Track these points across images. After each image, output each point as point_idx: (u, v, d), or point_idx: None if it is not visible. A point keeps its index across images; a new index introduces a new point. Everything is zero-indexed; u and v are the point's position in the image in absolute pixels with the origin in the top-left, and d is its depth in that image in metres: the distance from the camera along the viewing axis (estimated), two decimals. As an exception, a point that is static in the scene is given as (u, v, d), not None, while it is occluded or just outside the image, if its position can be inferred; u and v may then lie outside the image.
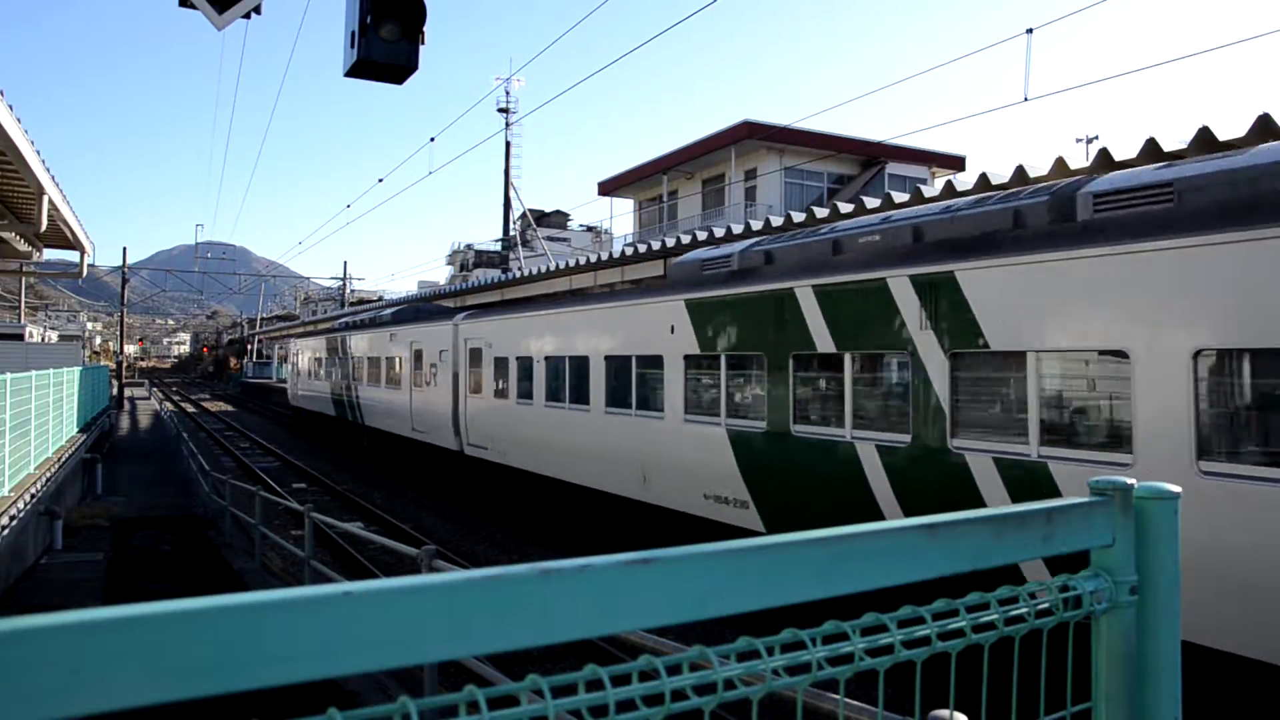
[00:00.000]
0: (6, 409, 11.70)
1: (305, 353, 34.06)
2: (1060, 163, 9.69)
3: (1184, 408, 5.90)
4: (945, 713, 1.47)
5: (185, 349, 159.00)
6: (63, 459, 16.02)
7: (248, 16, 6.03)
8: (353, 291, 65.47)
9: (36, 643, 0.65)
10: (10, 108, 9.71)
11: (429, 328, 20.19)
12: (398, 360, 21.82)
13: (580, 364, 13.44)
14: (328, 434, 30.64)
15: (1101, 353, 6.60)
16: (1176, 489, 1.36)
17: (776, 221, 14.15)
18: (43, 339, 35.39)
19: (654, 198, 38.68)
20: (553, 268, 23.24)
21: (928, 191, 11.47)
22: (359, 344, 25.78)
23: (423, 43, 5.91)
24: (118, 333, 57.00)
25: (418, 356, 20.41)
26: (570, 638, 0.88)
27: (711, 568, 0.96)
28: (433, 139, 26.96)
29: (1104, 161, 9.24)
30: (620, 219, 68.79)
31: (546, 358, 14.52)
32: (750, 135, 31.82)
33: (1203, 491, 5.68)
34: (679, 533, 10.76)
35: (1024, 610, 1.24)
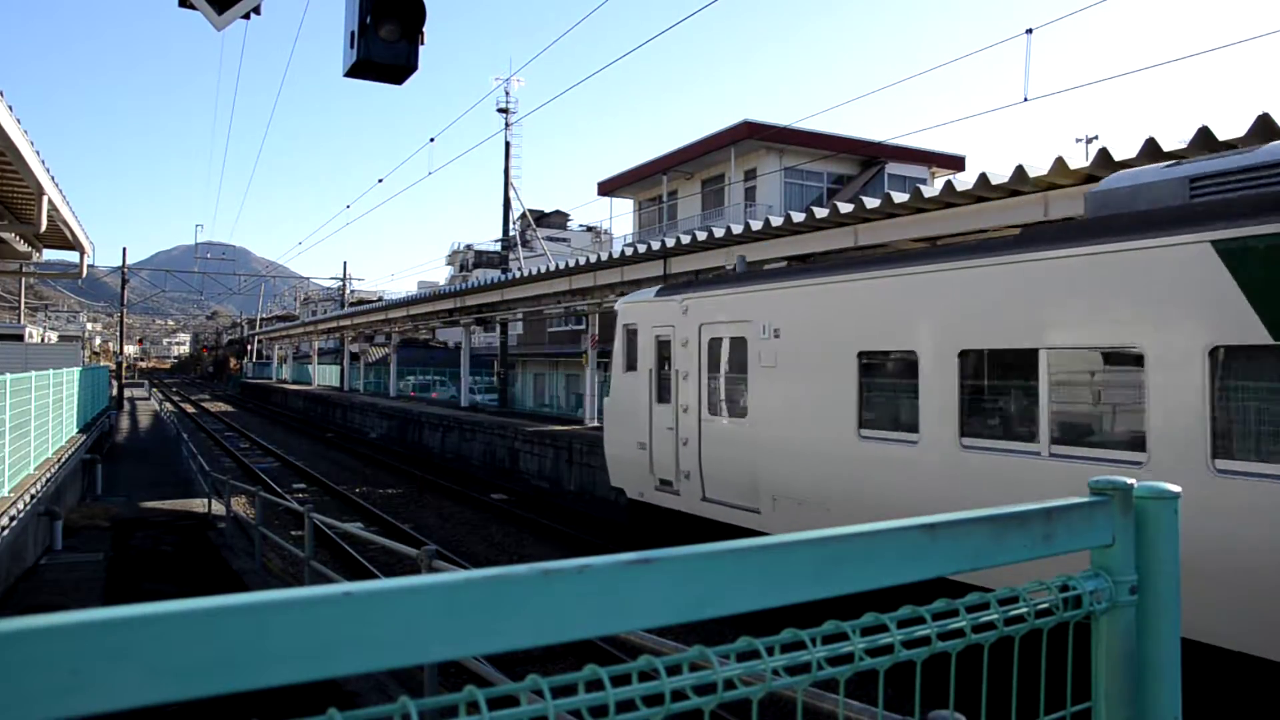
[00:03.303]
0: (6, 409, 11.69)
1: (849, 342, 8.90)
2: (1060, 162, 9.68)
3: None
4: (945, 713, 1.47)
5: (185, 349, 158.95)
6: (63, 459, 16.01)
7: (247, 17, 6.02)
8: (353, 292, 65.45)
9: (36, 643, 0.65)
10: (10, 108, 9.70)
11: None
12: None
13: None
14: None
15: None
16: (1176, 489, 1.36)
17: (776, 222, 14.04)
18: (42, 339, 35.35)
19: (654, 198, 38.67)
20: (552, 268, 23.24)
21: (927, 192, 11.42)
22: None
23: (422, 43, 5.91)
24: (117, 333, 56.98)
25: None
26: (570, 638, 0.88)
27: (711, 568, 0.96)
28: (433, 139, 27.06)
29: (1104, 161, 9.24)
30: (620, 219, 68.85)
31: None
32: (750, 135, 31.81)
33: None
34: None
35: (1024, 610, 1.24)
